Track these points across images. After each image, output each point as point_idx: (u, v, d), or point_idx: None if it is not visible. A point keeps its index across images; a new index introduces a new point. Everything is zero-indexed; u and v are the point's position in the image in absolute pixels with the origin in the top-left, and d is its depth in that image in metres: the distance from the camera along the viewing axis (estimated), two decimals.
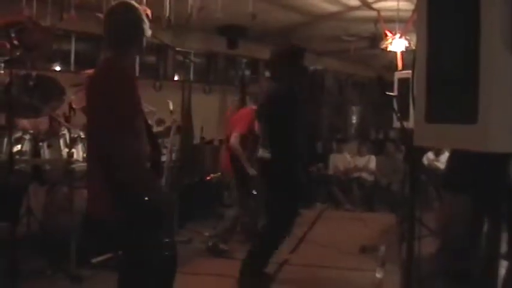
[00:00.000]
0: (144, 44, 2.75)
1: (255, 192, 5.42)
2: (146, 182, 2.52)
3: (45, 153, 4.78)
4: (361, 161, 9.17)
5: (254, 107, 5.48)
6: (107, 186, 2.46)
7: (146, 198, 2.45)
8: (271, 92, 4.36)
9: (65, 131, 4.86)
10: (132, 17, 2.67)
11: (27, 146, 4.75)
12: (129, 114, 2.48)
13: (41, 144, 4.78)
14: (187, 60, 7.70)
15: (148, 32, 2.74)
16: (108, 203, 2.45)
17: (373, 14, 7.45)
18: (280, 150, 4.14)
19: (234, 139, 5.41)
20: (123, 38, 2.65)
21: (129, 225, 2.47)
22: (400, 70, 6.81)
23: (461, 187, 3.57)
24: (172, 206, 2.93)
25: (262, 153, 4.21)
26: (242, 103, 8.99)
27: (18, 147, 4.66)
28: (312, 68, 4.85)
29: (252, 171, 5.25)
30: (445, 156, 7.11)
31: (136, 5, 2.72)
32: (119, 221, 2.46)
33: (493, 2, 1.59)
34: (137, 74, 8.27)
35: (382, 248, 4.46)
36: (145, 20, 2.72)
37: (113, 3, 2.89)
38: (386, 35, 7.42)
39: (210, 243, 5.51)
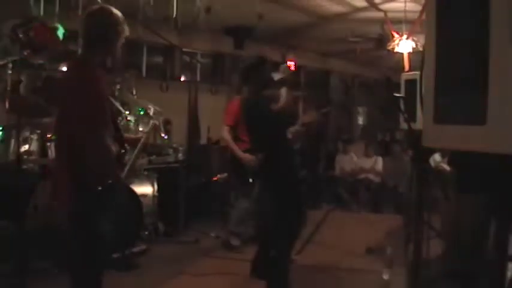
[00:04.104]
0: (118, 46, 2.95)
1: (250, 180, 5.44)
2: (111, 173, 2.77)
3: (53, 152, 4.80)
4: (367, 162, 9.15)
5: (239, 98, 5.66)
6: (71, 177, 2.70)
7: (100, 189, 2.69)
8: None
9: None
10: (106, 21, 2.87)
11: (35, 146, 4.77)
12: (96, 108, 2.70)
13: (48, 144, 4.80)
14: (194, 61, 7.71)
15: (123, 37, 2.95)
16: (71, 193, 2.71)
17: (380, 15, 7.44)
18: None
19: (223, 131, 5.61)
20: (94, 39, 2.84)
21: (83, 214, 2.73)
22: (407, 71, 6.79)
23: (470, 188, 3.56)
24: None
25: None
26: None
27: (26, 147, 4.68)
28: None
29: (245, 157, 5.32)
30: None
31: (112, 10, 2.91)
32: (77, 209, 2.72)
33: (502, 1, 1.59)
34: (144, 74, 8.30)
35: (389, 250, 4.44)
36: (122, 26, 2.91)
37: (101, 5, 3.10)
38: (393, 36, 7.40)
39: (223, 238, 5.72)
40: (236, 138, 5.46)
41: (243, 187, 5.68)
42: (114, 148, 2.82)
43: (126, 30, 2.94)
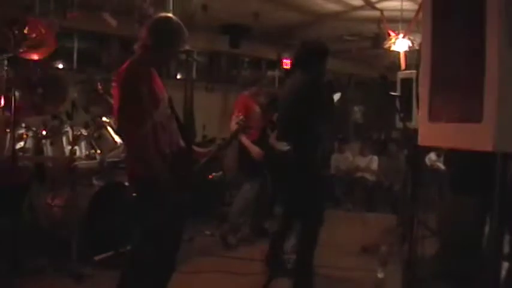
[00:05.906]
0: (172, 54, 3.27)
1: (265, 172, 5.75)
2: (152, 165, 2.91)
3: (48, 150, 4.79)
4: (363, 161, 9.15)
5: (247, 93, 5.94)
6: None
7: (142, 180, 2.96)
8: (296, 82, 4.34)
9: (68, 129, 4.86)
10: (165, 29, 3.06)
11: (30, 143, 4.75)
12: (133, 105, 2.87)
13: (43, 141, 4.78)
14: (190, 59, 7.66)
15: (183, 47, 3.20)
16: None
17: (377, 13, 7.44)
18: (300, 141, 4.11)
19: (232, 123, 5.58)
20: (151, 43, 3.02)
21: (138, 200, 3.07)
22: (403, 70, 6.80)
23: (466, 187, 3.56)
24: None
25: (281, 146, 4.25)
26: None
27: (21, 144, 4.66)
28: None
29: (254, 150, 5.57)
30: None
31: (175, 20, 3.10)
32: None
33: (498, 1, 1.59)
34: None
35: (384, 248, 4.44)
36: (180, 36, 3.12)
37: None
38: (389, 35, 7.41)
39: (220, 232, 5.73)
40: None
41: (253, 177, 5.75)
42: (160, 147, 2.99)
43: (184, 41, 3.17)
